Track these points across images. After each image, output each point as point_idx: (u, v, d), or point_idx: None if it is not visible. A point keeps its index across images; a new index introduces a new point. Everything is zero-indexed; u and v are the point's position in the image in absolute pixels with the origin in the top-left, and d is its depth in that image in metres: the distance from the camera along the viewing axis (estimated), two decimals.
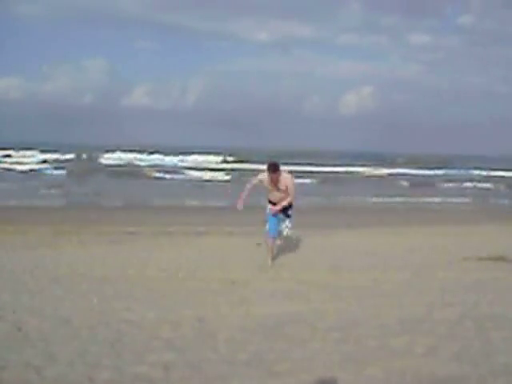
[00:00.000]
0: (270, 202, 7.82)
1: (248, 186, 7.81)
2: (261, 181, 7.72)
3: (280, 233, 7.94)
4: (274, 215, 7.78)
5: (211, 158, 49.65)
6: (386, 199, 23.01)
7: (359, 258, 8.64)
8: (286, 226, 7.90)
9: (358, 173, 40.70)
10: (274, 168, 7.51)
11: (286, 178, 7.60)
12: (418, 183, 32.78)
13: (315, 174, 33.88)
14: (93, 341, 4.32)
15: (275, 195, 7.70)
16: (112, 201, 19.81)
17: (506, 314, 5.20)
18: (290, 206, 7.82)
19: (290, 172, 7.93)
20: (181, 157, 48.58)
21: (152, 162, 43.79)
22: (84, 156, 45.48)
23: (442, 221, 14.90)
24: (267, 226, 7.89)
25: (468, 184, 33.30)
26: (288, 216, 7.88)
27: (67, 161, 40.89)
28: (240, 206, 7.69)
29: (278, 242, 8.17)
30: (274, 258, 8.04)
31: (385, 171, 42.13)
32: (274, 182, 7.57)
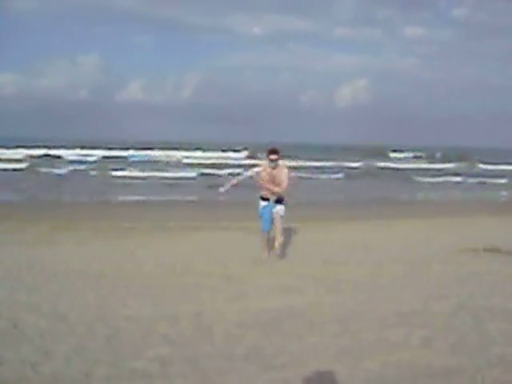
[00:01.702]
0: (263, 198, 7.90)
1: (239, 177, 8.18)
2: (257, 173, 7.91)
3: (274, 218, 7.89)
4: (266, 206, 7.84)
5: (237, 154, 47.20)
6: (387, 192, 23.04)
7: (355, 251, 8.66)
8: (280, 209, 7.89)
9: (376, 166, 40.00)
10: (273, 151, 7.79)
11: (283, 170, 7.81)
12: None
13: (337, 169, 33.53)
14: (90, 337, 4.32)
15: (269, 188, 7.78)
16: (107, 197, 19.77)
17: (502, 306, 5.22)
18: (282, 200, 7.91)
19: (290, 167, 8.17)
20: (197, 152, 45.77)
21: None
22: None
23: (439, 213, 14.92)
24: (261, 223, 7.96)
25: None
26: (281, 203, 7.91)
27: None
28: (222, 189, 8.13)
29: (279, 238, 8.06)
30: (271, 250, 8.05)
31: (405, 166, 41.19)
32: (273, 167, 7.74)
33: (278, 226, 7.93)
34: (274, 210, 7.87)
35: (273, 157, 7.75)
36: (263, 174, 7.82)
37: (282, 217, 7.93)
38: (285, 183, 7.75)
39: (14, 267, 7.26)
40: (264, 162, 7.93)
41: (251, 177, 8.06)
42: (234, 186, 8.21)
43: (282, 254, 8.05)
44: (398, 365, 3.79)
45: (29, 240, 9.83)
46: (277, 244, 8.00)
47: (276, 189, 7.76)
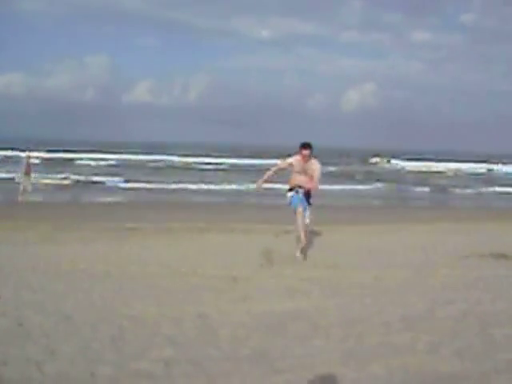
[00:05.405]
0: (292, 189, 7.99)
1: (273, 168, 8.28)
2: (290, 164, 8.01)
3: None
4: (297, 195, 7.92)
5: None
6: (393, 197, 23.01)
7: (361, 255, 8.62)
8: (307, 214, 8.02)
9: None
10: (307, 145, 7.81)
11: (315, 163, 7.89)
12: None
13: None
14: (94, 337, 4.31)
15: (300, 179, 7.90)
16: (114, 197, 19.81)
17: (509, 311, 5.18)
18: (310, 194, 8.00)
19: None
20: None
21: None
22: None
23: (444, 218, 14.87)
24: (293, 204, 7.97)
25: None
26: (309, 204, 8.06)
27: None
28: (259, 185, 8.20)
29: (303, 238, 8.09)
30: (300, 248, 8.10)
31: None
32: (305, 160, 7.81)
33: (305, 229, 8.03)
34: (305, 210, 7.90)
35: (306, 152, 7.77)
36: (295, 163, 7.88)
37: (307, 225, 8.08)
38: (316, 178, 7.78)
39: (18, 267, 7.27)
40: (295, 157, 7.93)
41: (282, 169, 8.19)
42: (266, 181, 8.28)
43: (302, 257, 8.07)
44: (404, 369, 3.76)
45: (33, 239, 9.84)
46: (300, 247, 8.08)
47: (308, 185, 7.81)
